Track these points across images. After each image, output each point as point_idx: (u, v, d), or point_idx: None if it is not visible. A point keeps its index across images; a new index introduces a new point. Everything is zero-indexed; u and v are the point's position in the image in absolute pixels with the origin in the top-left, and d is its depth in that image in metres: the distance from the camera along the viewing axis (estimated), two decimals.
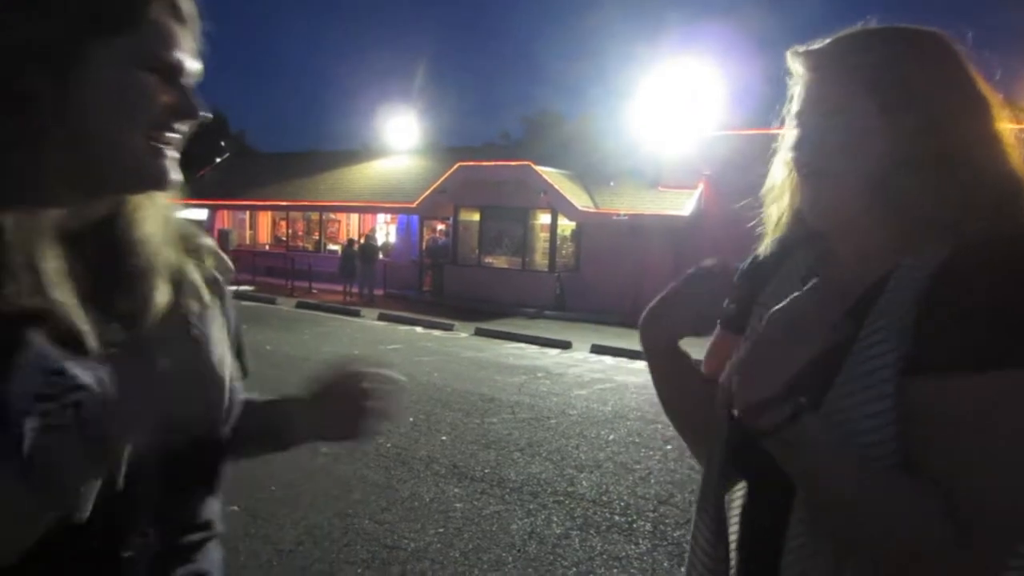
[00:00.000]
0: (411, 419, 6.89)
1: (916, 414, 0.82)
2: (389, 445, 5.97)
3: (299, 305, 17.18)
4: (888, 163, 0.90)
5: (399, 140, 27.05)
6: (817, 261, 1.03)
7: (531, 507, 4.79)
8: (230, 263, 1.04)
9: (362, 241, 20.84)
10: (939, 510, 0.79)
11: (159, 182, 0.87)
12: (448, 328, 14.34)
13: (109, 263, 0.87)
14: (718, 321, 1.16)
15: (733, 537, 1.06)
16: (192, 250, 0.98)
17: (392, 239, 22.83)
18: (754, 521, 1.03)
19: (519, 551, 4.09)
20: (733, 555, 1.04)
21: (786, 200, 1.05)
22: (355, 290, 19.63)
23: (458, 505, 4.74)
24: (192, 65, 0.87)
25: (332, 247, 25.64)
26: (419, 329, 14.28)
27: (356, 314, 15.91)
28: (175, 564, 0.90)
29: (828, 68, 0.95)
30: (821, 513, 0.87)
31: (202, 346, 0.92)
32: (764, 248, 1.11)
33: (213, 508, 0.98)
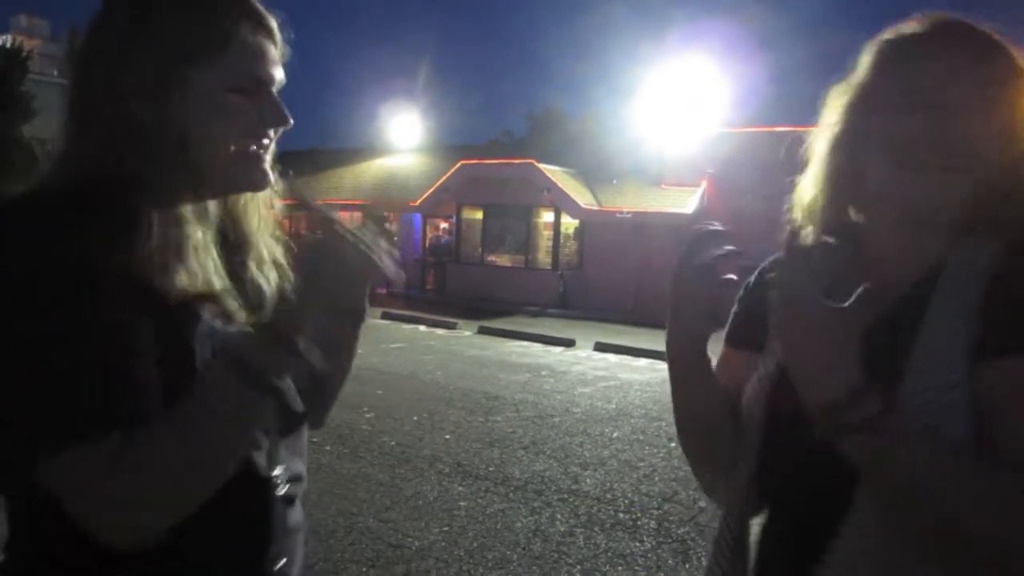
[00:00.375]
0: (415, 418, 6.89)
1: (989, 399, 0.81)
2: (393, 443, 5.97)
3: None
4: (1004, 162, 0.89)
5: (402, 138, 27.04)
6: (843, 266, 0.95)
7: (535, 505, 4.79)
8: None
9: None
10: None
11: (253, 184, 0.98)
12: (451, 327, 14.35)
13: (228, 255, 1.00)
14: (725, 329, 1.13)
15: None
16: (281, 241, 1.10)
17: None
18: (781, 541, 0.98)
19: (524, 549, 4.10)
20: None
21: (827, 192, 1.00)
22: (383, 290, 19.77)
23: (462, 503, 4.75)
24: (278, 75, 0.96)
25: None
26: (422, 328, 14.29)
27: None
28: (289, 509, 1.01)
29: (955, 55, 0.89)
30: (917, 524, 0.80)
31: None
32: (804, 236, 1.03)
33: (303, 463, 1.09)
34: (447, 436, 6.33)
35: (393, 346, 11.51)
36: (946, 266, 0.89)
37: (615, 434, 6.71)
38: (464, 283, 20.09)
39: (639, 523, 4.58)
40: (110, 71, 0.88)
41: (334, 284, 0.86)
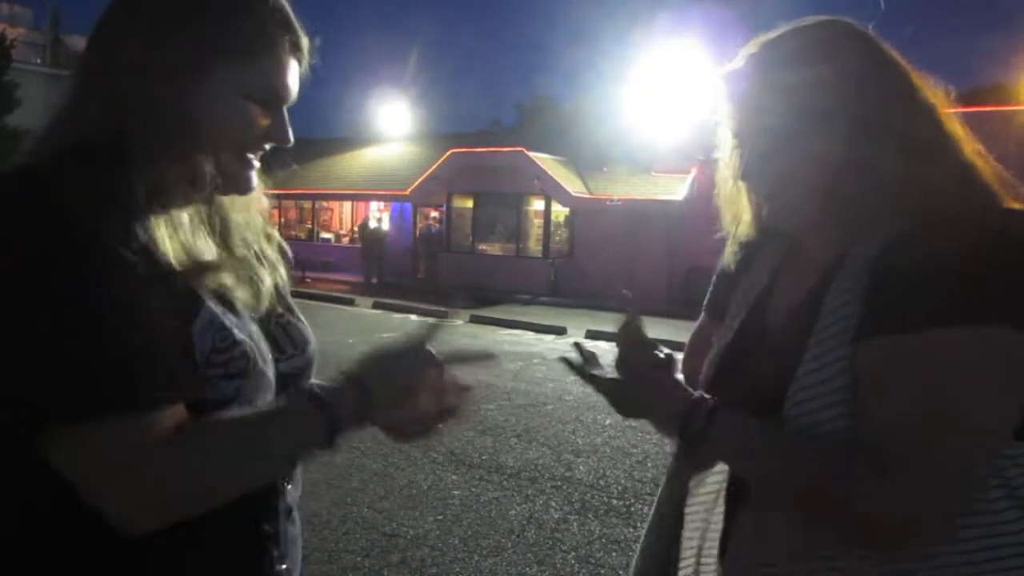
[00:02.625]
0: None
1: (858, 377, 0.87)
2: None
3: (293, 294, 17.06)
4: (833, 166, 0.93)
5: (391, 127, 26.91)
6: (785, 256, 1.09)
7: (529, 492, 4.81)
8: (288, 248, 1.19)
9: (374, 227, 21.02)
10: (849, 452, 0.85)
11: (242, 190, 0.99)
12: (442, 315, 14.32)
13: (220, 248, 1.01)
14: (703, 308, 1.26)
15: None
16: (267, 236, 1.12)
17: (385, 226, 22.74)
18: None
19: (518, 536, 4.11)
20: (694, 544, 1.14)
21: (743, 204, 1.09)
22: (376, 280, 19.83)
23: (456, 492, 4.76)
24: (294, 93, 0.98)
25: (325, 235, 25.57)
26: (414, 317, 14.26)
27: (350, 303, 15.89)
28: (292, 516, 1.04)
29: (752, 86, 0.98)
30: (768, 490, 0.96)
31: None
32: (731, 254, 1.16)
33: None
34: (440, 425, 6.33)
35: (384, 336, 11.50)
36: (844, 261, 0.94)
37: (608, 421, 6.73)
38: (455, 272, 20.07)
39: (632, 509, 4.60)
40: (140, 44, 0.88)
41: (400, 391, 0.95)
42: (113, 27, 0.91)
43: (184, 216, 0.94)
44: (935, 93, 0.96)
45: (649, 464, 5.51)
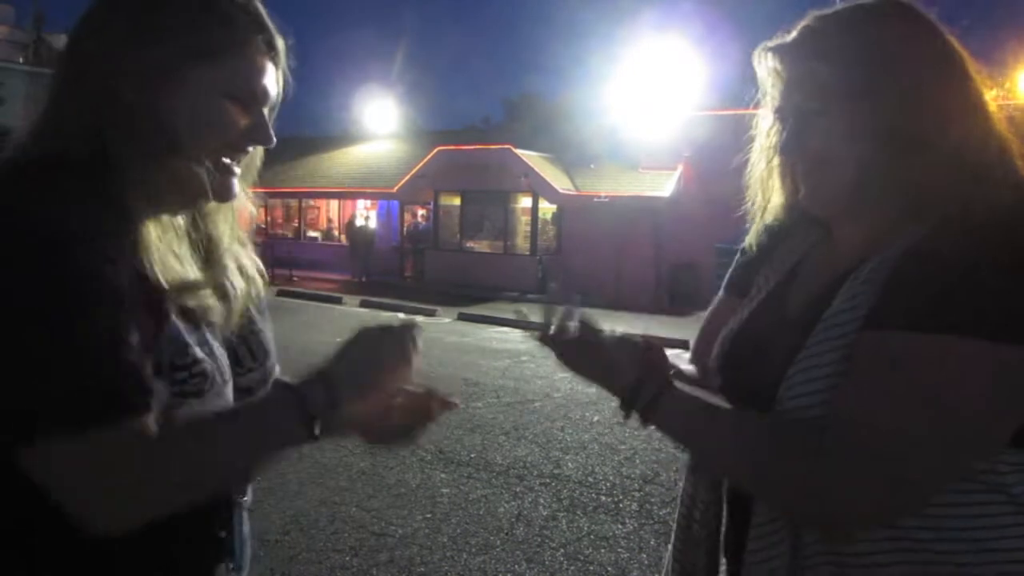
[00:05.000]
0: None
1: (853, 359, 0.86)
2: None
3: (280, 293, 17.05)
4: (875, 150, 0.91)
5: (378, 125, 26.80)
6: (812, 247, 1.07)
7: (518, 490, 4.81)
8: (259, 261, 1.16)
9: (361, 224, 20.94)
10: (785, 425, 0.89)
11: (222, 197, 0.97)
12: (431, 313, 14.30)
13: (198, 257, 1.00)
14: (722, 287, 1.24)
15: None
16: (242, 243, 1.10)
17: (373, 225, 22.66)
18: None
19: (507, 534, 4.11)
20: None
21: (774, 186, 1.07)
22: (364, 278, 19.79)
23: (445, 490, 4.75)
24: (272, 94, 0.97)
25: (312, 234, 25.45)
26: (401, 315, 14.15)
27: (338, 301, 15.83)
28: (245, 516, 1.03)
29: (797, 63, 0.96)
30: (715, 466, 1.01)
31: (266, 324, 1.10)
32: (755, 235, 1.13)
33: None
34: (419, 427, 6.32)
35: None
36: (873, 252, 0.92)
37: (596, 418, 6.75)
38: (443, 270, 20.03)
39: (621, 505, 4.62)
40: (112, 51, 0.88)
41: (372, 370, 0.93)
42: (87, 34, 0.91)
43: (168, 225, 0.94)
44: (987, 87, 0.92)
45: (637, 460, 5.52)
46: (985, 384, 0.80)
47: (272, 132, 0.98)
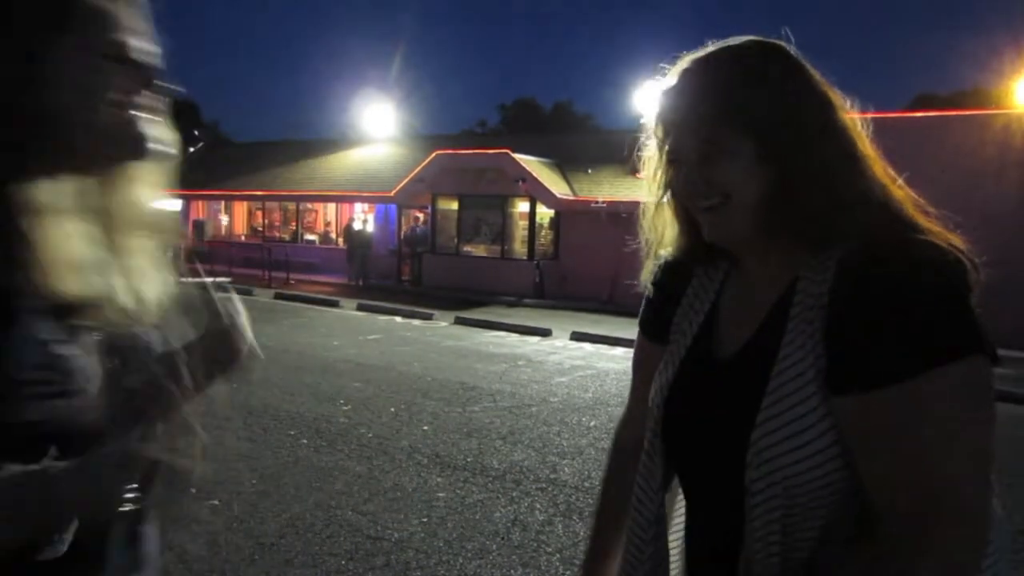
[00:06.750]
0: (392, 409, 6.87)
1: (846, 432, 0.86)
2: (371, 435, 5.95)
3: (277, 296, 17.04)
4: (774, 183, 0.94)
5: (376, 128, 26.84)
6: (725, 281, 1.09)
7: (514, 495, 4.80)
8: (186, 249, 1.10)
9: (359, 228, 20.94)
10: (891, 555, 0.83)
11: (135, 150, 0.92)
12: (427, 317, 14.30)
13: (98, 241, 0.93)
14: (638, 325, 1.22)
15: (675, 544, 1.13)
16: (161, 231, 1.04)
17: (370, 228, 22.68)
18: (702, 525, 1.07)
19: (503, 539, 4.10)
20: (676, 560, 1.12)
21: (668, 221, 1.10)
22: (361, 282, 19.79)
23: (441, 494, 4.74)
24: (143, 39, 0.92)
25: (309, 237, 25.45)
26: (398, 319, 14.23)
27: (335, 304, 15.82)
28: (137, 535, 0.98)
29: (689, 102, 0.98)
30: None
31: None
32: (649, 273, 1.16)
33: None
34: (425, 427, 6.32)
35: (370, 338, 11.45)
36: (795, 291, 0.94)
37: (592, 423, 6.74)
38: (440, 274, 20.02)
39: None
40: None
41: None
42: None
43: (65, 206, 0.88)
44: (851, 112, 0.98)
45: None
46: (985, 399, 0.84)
47: (155, 71, 0.94)
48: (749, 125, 0.93)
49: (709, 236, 1.01)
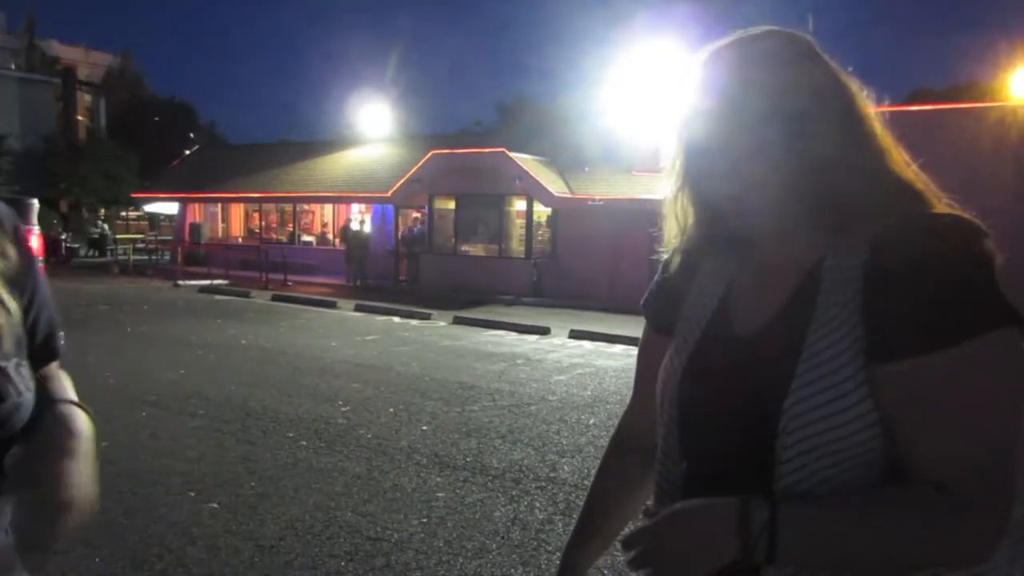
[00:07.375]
0: (391, 409, 6.86)
1: (887, 401, 0.87)
2: (370, 436, 5.94)
3: (274, 298, 17.02)
4: (802, 170, 0.94)
5: (372, 129, 26.81)
6: (741, 266, 1.07)
7: (514, 494, 4.80)
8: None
9: (356, 228, 20.94)
10: (928, 501, 0.84)
11: None
12: (426, 317, 14.30)
13: None
14: (644, 316, 1.22)
15: None
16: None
17: (368, 229, 22.68)
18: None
19: (503, 538, 4.10)
20: None
21: (689, 210, 1.08)
22: (359, 283, 19.81)
23: (440, 494, 4.74)
24: None
25: (306, 238, 25.44)
26: (396, 319, 14.22)
27: (332, 305, 15.81)
28: None
29: (711, 94, 0.98)
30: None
31: None
32: (673, 258, 1.15)
33: None
34: (424, 427, 6.32)
35: (368, 338, 11.44)
36: (823, 270, 0.95)
37: (591, 421, 6.74)
38: (437, 273, 20.02)
39: None
40: None
41: None
42: None
43: None
44: (871, 103, 0.99)
45: None
46: (1021, 367, 0.85)
47: None
48: (775, 111, 0.93)
49: (735, 224, 1.00)
